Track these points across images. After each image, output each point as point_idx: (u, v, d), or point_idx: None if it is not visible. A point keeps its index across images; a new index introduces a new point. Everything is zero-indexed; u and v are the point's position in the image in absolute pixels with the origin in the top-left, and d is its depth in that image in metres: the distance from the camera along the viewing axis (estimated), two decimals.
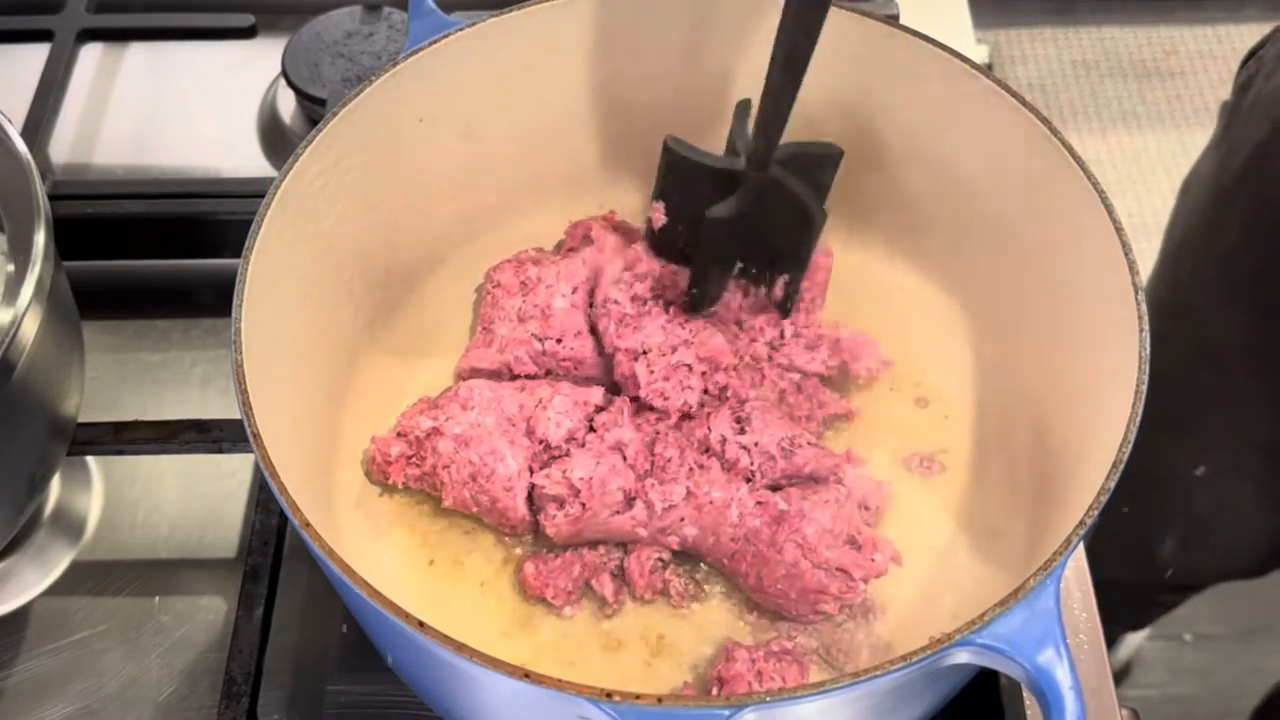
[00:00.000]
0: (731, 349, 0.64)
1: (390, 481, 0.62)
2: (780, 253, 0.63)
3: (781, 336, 0.66)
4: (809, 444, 0.60)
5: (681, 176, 0.62)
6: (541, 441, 0.60)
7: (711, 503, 0.58)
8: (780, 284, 0.65)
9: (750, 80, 0.68)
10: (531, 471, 0.60)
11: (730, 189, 0.60)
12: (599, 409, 0.62)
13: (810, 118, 0.67)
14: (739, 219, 0.60)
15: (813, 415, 0.65)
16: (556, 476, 0.58)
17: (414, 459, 0.61)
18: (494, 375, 0.65)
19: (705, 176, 0.61)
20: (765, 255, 0.64)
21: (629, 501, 0.59)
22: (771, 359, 0.66)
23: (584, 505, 0.58)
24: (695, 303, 0.64)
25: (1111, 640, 1.50)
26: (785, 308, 0.65)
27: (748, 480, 0.59)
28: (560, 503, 0.58)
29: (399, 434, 0.62)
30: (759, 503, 0.58)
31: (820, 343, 0.66)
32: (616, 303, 0.64)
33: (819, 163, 0.62)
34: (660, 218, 0.64)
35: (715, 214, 0.60)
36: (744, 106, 0.61)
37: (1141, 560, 1.15)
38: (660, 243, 0.66)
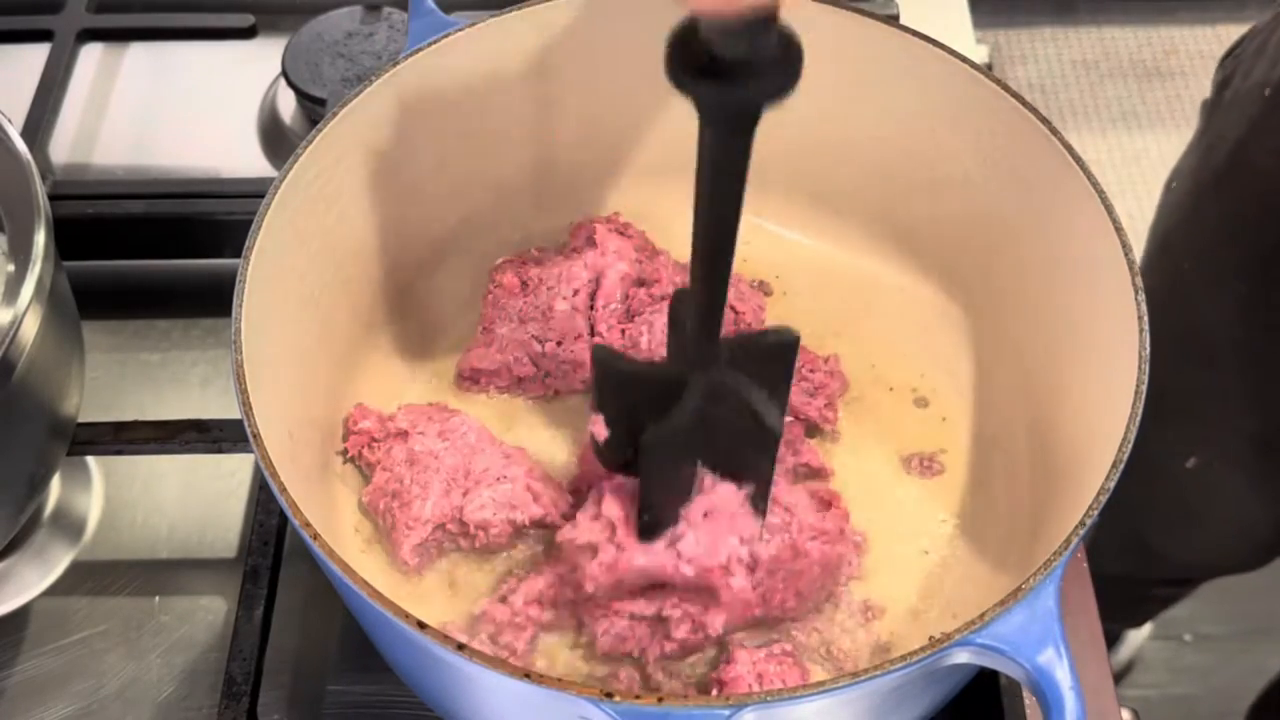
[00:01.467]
0: None
1: (344, 445, 0.62)
2: (737, 463, 0.54)
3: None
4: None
5: (616, 388, 0.53)
6: (459, 509, 0.59)
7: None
8: (747, 489, 0.55)
9: None
10: (443, 529, 0.59)
11: (675, 393, 0.51)
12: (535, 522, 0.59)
13: (807, 120, 0.68)
14: (682, 435, 0.51)
15: (782, 459, 0.60)
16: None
17: (375, 443, 0.62)
18: (494, 376, 0.65)
19: (642, 386, 0.52)
20: (724, 461, 0.54)
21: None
22: None
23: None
24: (647, 530, 0.54)
25: (1112, 639, 1.51)
26: (758, 509, 0.55)
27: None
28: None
29: (381, 416, 0.62)
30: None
31: (822, 392, 0.64)
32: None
33: (773, 354, 0.53)
34: (601, 431, 0.55)
35: (650, 440, 0.51)
36: (680, 297, 0.51)
37: (1136, 554, 1.16)
38: (606, 456, 0.55)
